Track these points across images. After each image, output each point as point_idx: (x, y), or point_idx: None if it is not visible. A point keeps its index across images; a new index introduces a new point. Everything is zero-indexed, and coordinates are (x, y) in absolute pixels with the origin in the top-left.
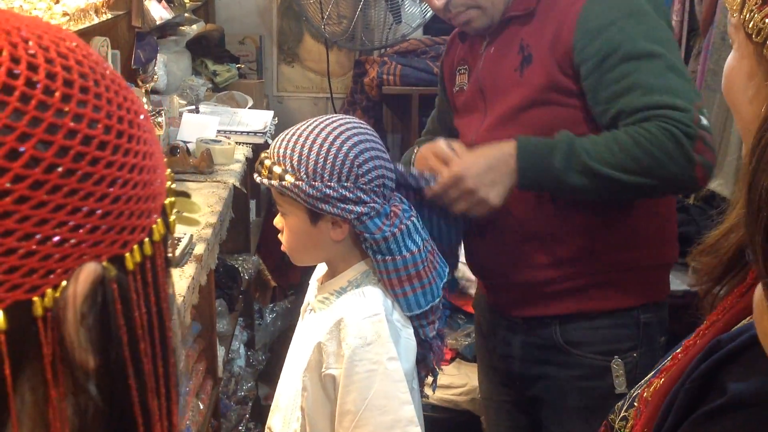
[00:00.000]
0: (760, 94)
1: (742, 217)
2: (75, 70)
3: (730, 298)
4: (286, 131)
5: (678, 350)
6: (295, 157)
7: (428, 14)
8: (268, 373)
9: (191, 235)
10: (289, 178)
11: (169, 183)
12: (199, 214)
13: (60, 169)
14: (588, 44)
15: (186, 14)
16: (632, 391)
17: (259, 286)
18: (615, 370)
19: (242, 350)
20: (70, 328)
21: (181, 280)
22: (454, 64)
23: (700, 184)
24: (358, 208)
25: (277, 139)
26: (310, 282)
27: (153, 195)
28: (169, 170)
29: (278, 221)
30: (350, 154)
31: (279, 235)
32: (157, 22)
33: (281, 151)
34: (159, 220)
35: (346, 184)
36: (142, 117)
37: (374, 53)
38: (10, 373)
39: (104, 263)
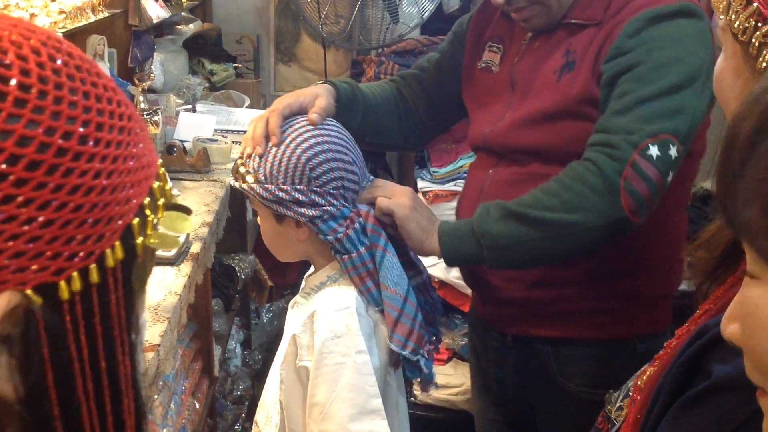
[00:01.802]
0: (746, 91)
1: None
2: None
3: (721, 288)
4: None
5: (672, 339)
6: (257, 160)
7: (425, 14)
8: (265, 373)
9: (187, 234)
10: (249, 180)
11: (159, 200)
12: (195, 213)
13: None
14: (610, 59)
15: (183, 13)
16: (628, 382)
17: (255, 286)
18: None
19: (238, 350)
20: None
21: (178, 279)
22: (485, 35)
23: (628, 216)
24: (311, 211)
25: None
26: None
27: (106, 217)
28: (157, 183)
29: (259, 220)
30: (302, 158)
31: None
32: (154, 21)
33: (247, 153)
34: (117, 243)
35: (299, 186)
36: (104, 129)
37: (372, 53)
38: None
39: (28, 291)
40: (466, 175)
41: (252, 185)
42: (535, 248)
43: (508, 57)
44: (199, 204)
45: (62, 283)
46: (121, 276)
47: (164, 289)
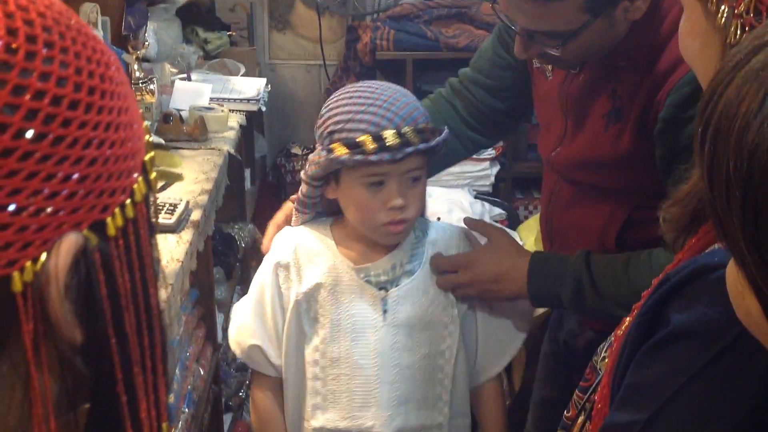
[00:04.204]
0: (709, 47)
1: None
2: (37, 24)
3: (694, 239)
4: (387, 94)
5: (648, 289)
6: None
7: None
8: None
9: (187, 202)
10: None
11: (147, 137)
12: (194, 181)
13: (30, 134)
14: (671, 128)
15: None
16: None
17: (255, 255)
18: (596, 355)
19: None
20: (55, 304)
21: (179, 246)
22: None
23: None
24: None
25: (388, 106)
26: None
27: (132, 153)
28: (145, 123)
29: (400, 198)
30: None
31: (400, 215)
32: None
33: (416, 113)
34: (140, 178)
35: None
36: (113, 69)
37: (367, 18)
38: None
39: (85, 231)
40: None
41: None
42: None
43: (556, 70)
44: (198, 172)
45: (109, 220)
46: (145, 211)
47: (166, 255)
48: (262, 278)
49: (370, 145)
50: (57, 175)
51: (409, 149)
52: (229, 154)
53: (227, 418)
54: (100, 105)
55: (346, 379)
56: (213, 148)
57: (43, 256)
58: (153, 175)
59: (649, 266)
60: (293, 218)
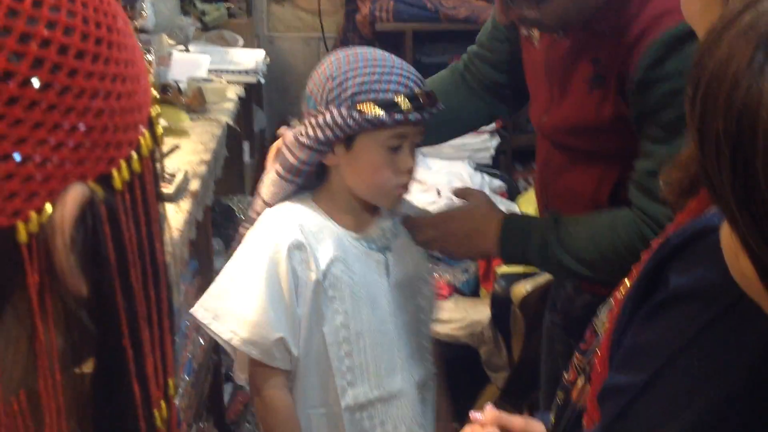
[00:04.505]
0: (709, 8)
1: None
2: None
3: (695, 201)
4: (396, 59)
5: (647, 251)
6: None
7: None
8: None
9: (186, 171)
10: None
11: (153, 92)
12: (192, 151)
13: (36, 83)
14: (642, 91)
15: None
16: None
17: None
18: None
19: None
20: (61, 256)
21: (178, 215)
22: None
23: None
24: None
25: (406, 68)
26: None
27: (138, 106)
28: (151, 77)
29: (413, 162)
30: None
31: (408, 179)
32: None
33: (419, 76)
34: (146, 132)
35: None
36: (120, 21)
37: None
38: None
39: (91, 183)
40: None
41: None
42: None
43: (543, 36)
44: (196, 143)
45: (115, 173)
46: (151, 166)
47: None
48: (272, 264)
49: (405, 105)
50: (63, 126)
51: (434, 109)
52: (228, 125)
53: (227, 388)
54: (107, 56)
55: (372, 348)
56: (211, 119)
57: (49, 208)
58: (159, 130)
59: (613, 226)
60: (271, 190)
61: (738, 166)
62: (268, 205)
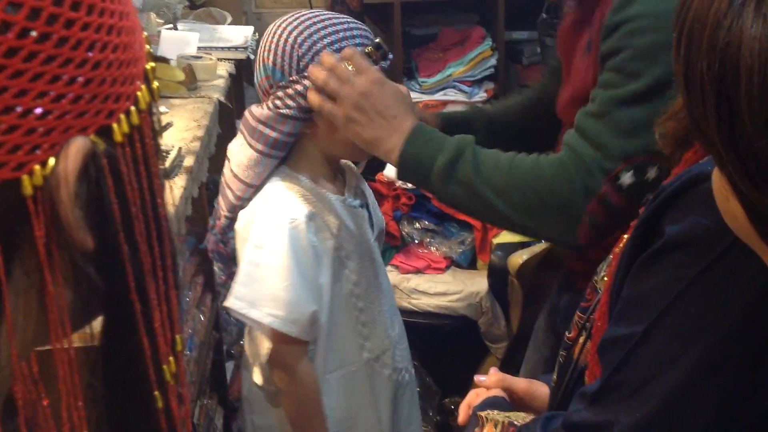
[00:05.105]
0: None
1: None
2: None
3: (690, 152)
4: (340, 20)
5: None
6: None
7: None
8: None
9: (180, 148)
10: None
11: (147, 47)
12: (185, 128)
13: (34, 34)
14: (605, 37)
15: None
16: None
17: None
18: (596, 275)
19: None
20: (66, 208)
21: (174, 191)
22: None
23: (580, 241)
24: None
25: (353, 24)
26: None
27: (134, 59)
28: (145, 33)
29: None
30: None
31: None
32: None
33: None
34: (143, 86)
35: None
36: None
37: None
38: (2, 258)
39: (92, 136)
40: (455, 83)
41: None
42: (477, 216)
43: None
44: (189, 120)
45: (115, 126)
46: (149, 120)
47: None
48: (293, 240)
49: (375, 56)
50: (62, 77)
51: (390, 55)
52: (220, 102)
53: (229, 366)
54: (102, 7)
55: (378, 302)
56: (203, 96)
57: (52, 161)
58: (155, 84)
59: (535, 166)
60: (255, 171)
61: (722, 106)
62: (252, 186)
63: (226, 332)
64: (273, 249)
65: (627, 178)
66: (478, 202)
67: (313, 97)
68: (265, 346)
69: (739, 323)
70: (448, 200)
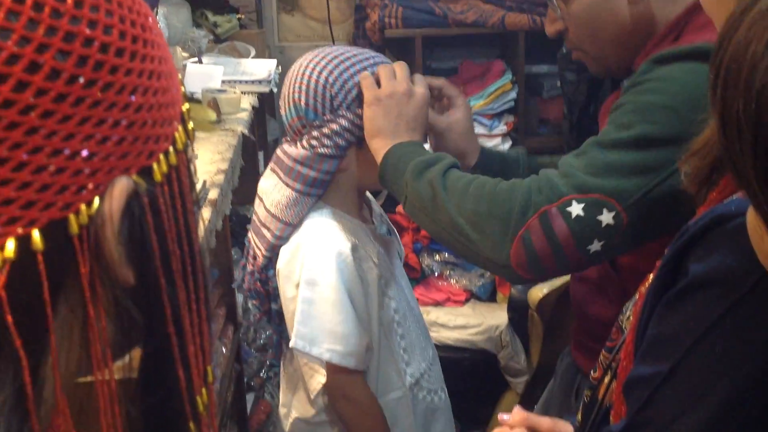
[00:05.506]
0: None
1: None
2: None
3: (715, 191)
4: (362, 54)
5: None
6: None
7: None
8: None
9: (204, 181)
10: None
11: (182, 88)
12: (210, 161)
13: (81, 80)
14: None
15: None
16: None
17: None
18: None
19: None
20: (110, 246)
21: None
22: None
23: (513, 266)
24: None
25: (376, 58)
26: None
27: (172, 101)
28: (180, 75)
29: None
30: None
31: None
32: None
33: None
34: (179, 127)
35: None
36: (150, 19)
37: None
38: (48, 294)
39: (134, 176)
40: (475, 117)
41: None
42: (436, 225)
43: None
44: (213, 152)
45: (155, 166)
46: (185, 159)
47: None
48: (342, 273)
49: None
50: (107, 121)
51: None
52: (243, 135)
53: (249, 398)
54: (143, 53)
55: (414, 326)
56: (227, 129)
57: (97, 201)
58: (190, 124)
59: (497, 181)
60: (294, 210)
61: (759, 145)
62: (291, 225)
63: (247, 364)
64: (325, 285)
65: (576, 209)
66: (436, 205)
67: (365, 74)
68: (318, 380)
69: (764, 362)
70: (412, 200)
